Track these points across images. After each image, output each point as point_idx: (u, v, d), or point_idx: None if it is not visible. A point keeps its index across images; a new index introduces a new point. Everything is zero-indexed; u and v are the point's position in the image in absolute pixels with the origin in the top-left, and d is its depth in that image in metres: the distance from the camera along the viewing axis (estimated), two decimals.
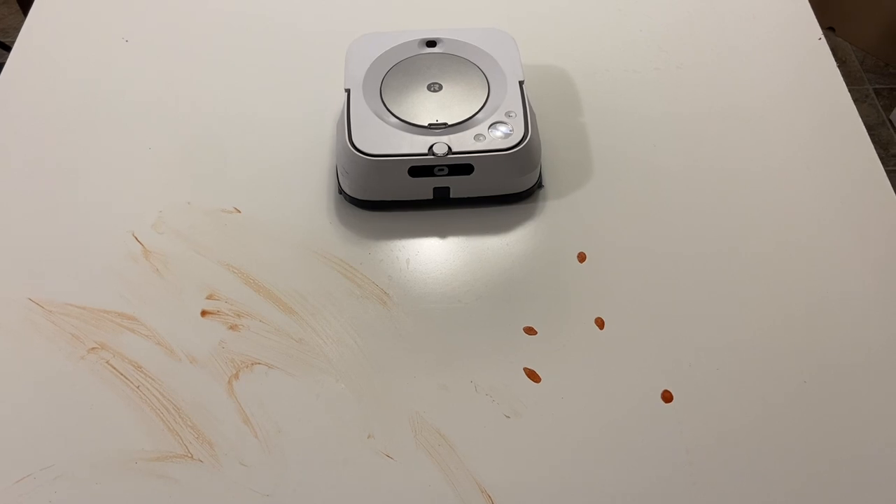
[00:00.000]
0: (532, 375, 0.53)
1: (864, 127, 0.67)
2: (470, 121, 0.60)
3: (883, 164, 0.65)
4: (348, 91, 0.62)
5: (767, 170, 0.64)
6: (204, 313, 0.56)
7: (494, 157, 0.58)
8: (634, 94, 0.69)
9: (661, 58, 0.72)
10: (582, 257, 0.59)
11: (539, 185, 0.63)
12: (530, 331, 0.55)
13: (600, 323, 0.55)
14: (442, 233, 0.61)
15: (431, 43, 0.65)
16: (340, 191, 0.62)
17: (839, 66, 0.72)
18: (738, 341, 0.54)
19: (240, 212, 0.61)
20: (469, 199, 0.62)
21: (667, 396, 0.52)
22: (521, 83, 0.62)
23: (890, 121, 1.56)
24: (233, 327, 0.55)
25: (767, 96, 0.69)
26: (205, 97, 0.69)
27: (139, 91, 0.69)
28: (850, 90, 0.70)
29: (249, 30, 0.74)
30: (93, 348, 0.54)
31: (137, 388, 0.52)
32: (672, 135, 0.66)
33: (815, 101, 0.69)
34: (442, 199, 0.61)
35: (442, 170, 0.59)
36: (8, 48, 1.12)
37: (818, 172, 0.64)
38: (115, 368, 0.53)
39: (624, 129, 0.67)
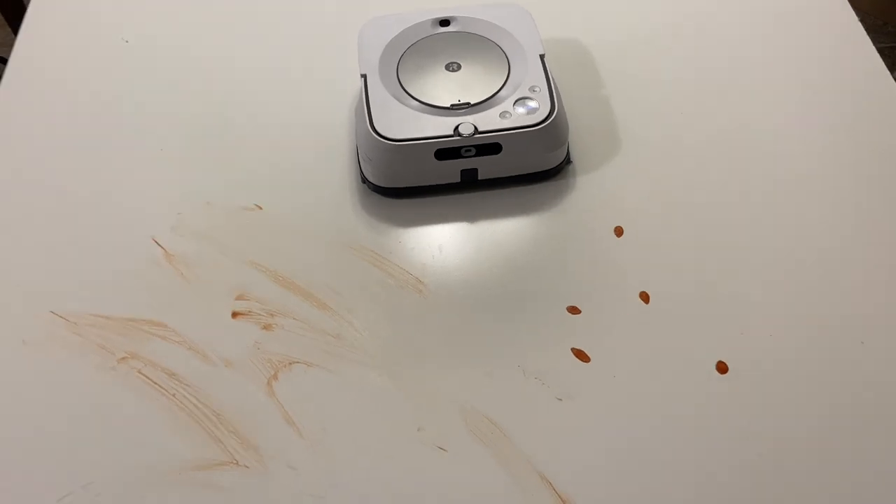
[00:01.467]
0: (581, 356, 0.51)
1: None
2: (493, 98, 0.58)
3: None
4: (364, 76, 0.60)
5: (801, 130, 0.62)
6: (235, 315, 0.54)
7: (523, 135, 0.56)
8: (655, 62, 0.67)
9: (681, 22, 0.70)
10: (619, 231, 0.57)
11: (568, 160, 0.61)
12: (574, 310, 0.53)
13: (645, 297, 0.54)
14: (472, 216, 0.59)
15: (445, 22, 0.63)
16: (364, 180, 0.60)
17: None
18: (790, 304, 0.53)
19: (261, 208, 0.59)
20: (497, 179, 0.60)
21: (722, 367, 0.50)
22: (542, 57, 0.60)
23: None
24: (266, 327, 0.53)
25: (798, 56, 0.67)
26: (213, 94, 0.67)
27: (145, 92, 0.67)
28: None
29: (254, 21, 0.72)
30: (123, 358, 0.52)
31: (173, 395, 0.50)
32: (698, 100, 0.64)
33: (844, 63, 0.67)
34: (470, 182, 0.59)
35: (469, 150, 0.57)
36: (4, 61, 1.10)
37: (853, 134, 0.62)
38: (147, 378, 0.51)
39: (648, 97, 0.65)
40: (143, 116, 0.65)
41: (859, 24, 0.70)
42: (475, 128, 0.56)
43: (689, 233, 0.57)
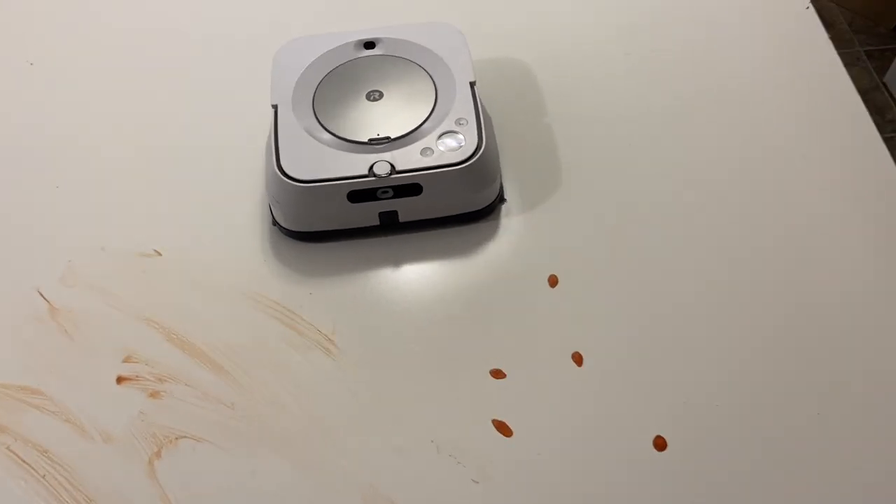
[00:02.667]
0: (502, 428, 0.45)
1: (859, 97, 0.59)
2: (416, 132, 0.53)
3: (879, 130, 0.57)
4: (275, 107, 0.54)
5: (757, 158, 0.56)
6: (120, 380, 0.48)
7: (445, 174, 0.50)
8: (603, 86, 0.61)
9: (632, 41, 0.64)
10: (553, 281, 0.51)
11: (500, 199, 0.55)
12: (498, 374, 0.48)
13: (578, 358, 0.48)
14: (393, 263, 0.53)
15: (370, 44, 0.57)
16: (274, 222, 0.54)
17: (826, 30, 0.64)
18: (738, 372, 0.47)
19: (160, 254, 0.54)
20: (421, 221, 0.54)
21: (660, 444, 0.44)
22: (472, 84, 0.54)
23: (884, 84, 1.48)
24: (153, 395, 0.48)
25: (752, 75, 0.61)
26: (118, 125, 0.61)
27: (44, 121, 0.61)
28: (839, 53, 0.62)
29: (163, 47, 0.66)
30: None
31: (43, 477, 0.45)
32: (649, 130, 0.58)
33: (806, 75, 0.61)
34: (390, 224, 0.54)
35: (386, 192, 0.51)
36: None
37: (814, 155, 0.56)
38: (17, 455, 0.46)
39: (593, 127, 0.59)
40: (39, 149, 0.60)
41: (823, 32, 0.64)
42: (392, 167, 0.50)
43: (631, 284, 0.51)
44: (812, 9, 0.66)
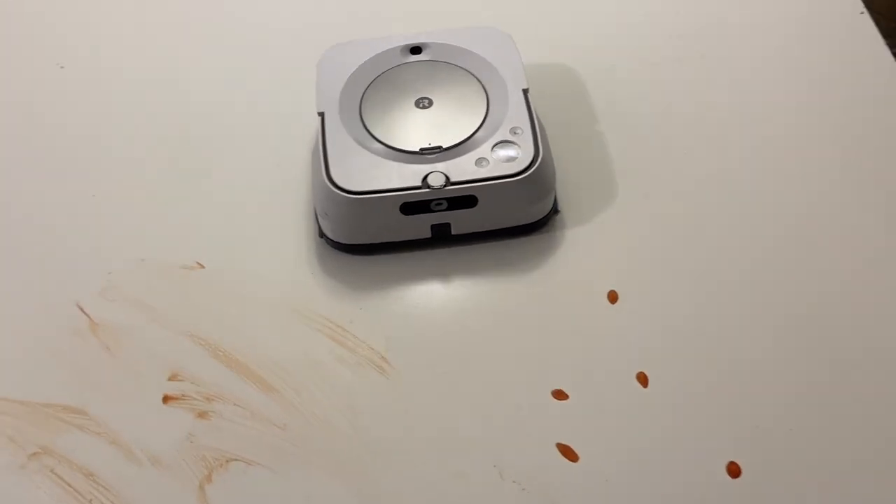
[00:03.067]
0: (567, 453, 0.44)
1: None
2: (469, 142, 0.51)
3: None
4: (322, 115, 0.52)
5: (824, 166, 0.54)
6: (166, 399, 0.46)
7: (502, 186, 0.49)
8: (655, 92, 0.59)
9: (681, 45, 0.62)
10: (613, 297, 0.49)
11: (555, 210, 0.53)
12: (560, 395, 0.46)
13: (643, 379, 0.46)
14: (444, 276, 0.51)
15: (416, 49, 0.56)
16: (321, 234, 0.52)
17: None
18: (813, 394, 0.45)
19: (203, 267, 0.52)
20: (474, 233, 0.52)
21: (734, 470, 0.43)
22: (525, 91, 0.52)
23: None
24: (202, 415, 0.46)
25: (809, 82, 0.59)
26: (155, 133, 0.59)
27: (76, 127, 0.59)
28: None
29: (202, 53, 0.64)
30: (34, 454, 0.45)
31: (90, 502, 0.43)
32: (706, 136, 0.57)
33: (864, 84, 0.59)
34: (442, 237, 0.52)
35: (440, 204, 0.49)
36: None
37: (878, 168, 0.54)
38: (61, 478, 0.44)
39: (647, 136, 0.57)
40: (72, 157, 0.58)
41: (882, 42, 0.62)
42: (446, 178, 0.49)
43: (697, 298, 0.49)
44: (866, 13, 0.64)
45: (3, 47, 0.65)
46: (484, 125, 0.51)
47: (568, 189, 0.54)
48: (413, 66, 0.55)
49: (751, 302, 0.49)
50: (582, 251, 0.52)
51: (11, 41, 0.65)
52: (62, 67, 0.63)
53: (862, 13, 0.64)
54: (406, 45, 0.56)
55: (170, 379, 0.47)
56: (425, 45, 0.56)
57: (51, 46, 0.65)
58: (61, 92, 0.62)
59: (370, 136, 0.51)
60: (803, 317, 0.48)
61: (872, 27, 0.63)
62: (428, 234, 0.51)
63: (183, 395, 0.46)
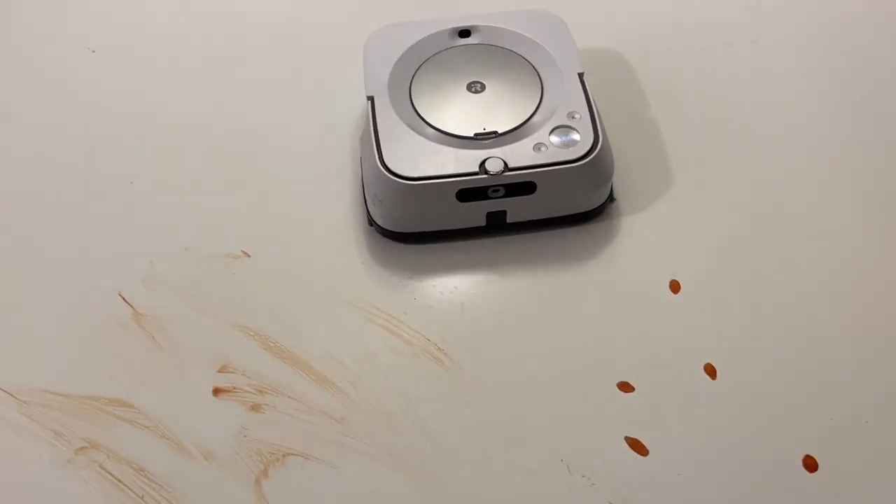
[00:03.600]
0: (637, 447, 0.42)
1: None
2: (525, 127, 0.49)
3: None
4: (371, 99, 0.50)
5: (886, 156, 0.53)
6: (217, 391, 0.45)
7: (561, 172, 0.47)
8: (711, 80, 0.58)
9: (742, 33, 0.60)
10: (675, 286, 0.48)
11: (611, 198, 0.52)
12: (626, 387, 0.44)
13: (711, 370, 0.45)
14: (500, 266, 0.50)
15: (465, 32, 0.54)
16: (371, 222, 0.51)
17: None
18: (888, 384, 0.44)
19: (249, 256, 0.50)
20: (529, 222, 0.51)
21: (810, 464, 0.41)
22: (580, 75, 0.51)
23: None
24: (255, 408, 0.44)
25: (877, 69, 0.58)
26: (194, 118, 0.57)
27: (113, 114, 0.58)
28: None
29: (241, 33, 0.62)
30: (81, 448, 0.43)
31: (142, 498, 0.41)
32: (762, 124, 0.55)
33: None
34: (497, 225, 0.50)
35: (497, 191, 0.48)
36: None
37: None
38: (111, 474, 0.42)
39: (703, 121, 0.56)
40: (109, 143, 0.56)
41: None
42: (505, 164, 0.47)
43: (762, 287, 0.48)
44: None
45: (38, 32, 0.63)
46: (539, 110, 0.50)
47: (624, 176, 0.53)
48: (462, 49, 0.53)
49: (818, 290, 0.47)
50: (640, 240, 0.50)
51: (46, 26, 0.63)
52: (93, 52, 0.61)
53: None
54: (455, 28, 0.54)
55: (219, 371, 0.45)
56: (475, 27, 0.54)
57: (83, 29, 0.63)
58: (90, 75, 0.60)
59: (422, 121, 0.50)
60: (872, 307, 0.47)
61: None
62: (483, 222, 0.50)
63: (234, 388, 0.45)
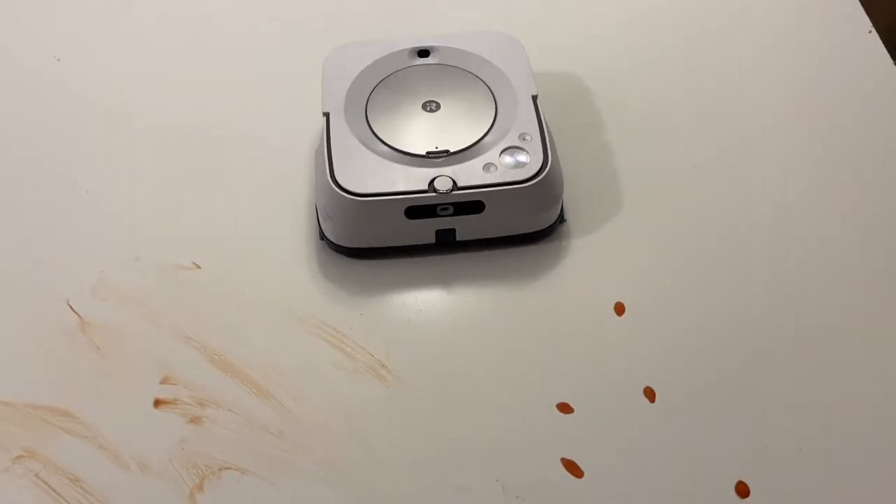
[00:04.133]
0: (572, 468, 0.42)
1: None
2: (477, 146, 0.50)
3: None
4: (327, 115, 0.51)
5: (840, 179, 0.54)
6: (158, 403, 0.45)
7: (510, 192, 0.48)
8: (665, 104, 0.59)
9: (693, 57, 0.62)
10: (620, 308, 0.48)
11: (561, 219, 0.52)
12: (565, 408, 0.45)
13: (650, 394, 0.45)
14: (448, 283, 0.50)
15: (424, 52, 0.55)
16: (322, 237, 0.51)
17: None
18: (822, 412, 0.44)
19: (200, 267, 0.50)
20: (478, 240, 0.51)
21: (742, 490, 0.41)
22: (534, 98, 0.52)
23: None
24: (194, 420, 0.44)
25: (820, 99, 0.59)
26: (153, 127, 0.58)
27: (71, 120, 0.58)
28: None
29: (204, 47, 0.63)
30: (18, 457, 0.43)
31: None
32: (716, 151, 0.56)
33: (872, 100, 0.59)
34: (446, 243, 0.51)
35: (446, 209, 0.48)
36: None
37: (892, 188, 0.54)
38: (46, 483, 0.42)
39: (654, 146, 0.56)
40: (68, 150, 0.56)
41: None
42: (454, 183, 0.47)
43: (707, 311, 0.48)
44: (874, 33, 0.64)
45: (1, 40, 0.63)
46: (492, 130, 0.51)
47: (575, 198, 0.53)
48: (421, 69, 0.54)
49: (761, 316, 0.48)
50: (589, 261, 0.51)
51: (7, 32, 0.64)
52: (59, 60, 0.62)
53: (870, 32, 0.63)
54: (414, 48, 0.55)
55: (162, 382, 0.45)
56: (433, 48, 0.55)
57: (48, 38, 0.63)
58: (54, 84, 0.60)
59: (376, 138, 0.50)
60: (814, 332, 0.47)
61: (881, 46, 0.63)
62: (432, 239, 0.50)
63: (175, 400, 0.45)
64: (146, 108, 0.59)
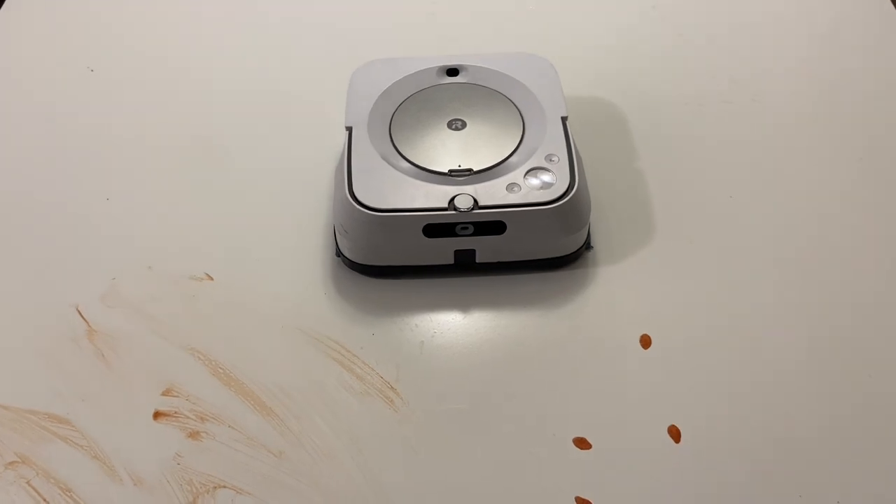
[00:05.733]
0: None
1: None
2: (501, 166, 0.48)
3: None
4: (350, 129, 0.50)
5: (882, 221, 0.51)
6: (157, 415, 0.43)
7: (533, 213, 0.46)
8: (700, 133, 0.57)
9: (732, 89, 0.59)
10: (646, 341, 0.46)
11: (587, 245, 0.50)
12: (583, 443, 0.42)
13: (675, 433, 0.42)
14: (465, 307, 0.48)
15: (453, 71, 0.53)
16: (338, 253, 0.50)
17: None
18: (867, 459, 0.40)
19: (212, 279, 0.49)
20: (499, 263, 0.49)
21: None
22: (563, 119, 0.50)
23: None
24: (193, 435, 0.42)
25: (866, 130, 0.56)
26: (177, 138, 0.57)
27: (100, 129, 0.58)
28: None
29: (230, 60, 0.63)
30: (11, 462, 0.42)
31: None
32: (753, 182, 0.53)
33: None
34: (465, 264, 0.49)
35: (466, 228, 0.46)
36: None
37: None
38: (36, 492, 0.40)
39: (690, 176, 0.54)
40: (92, 157, 0.56)
41: None
42: (475, 201, 0.46)
43: (738, 348, 0.45)
44: None
45: (33, 49, 0.64)
46: (518, 150, 0.49)
47: (603, 225, 0.51)
48: (449, 87, 0.53)
49: (796, 356, 0.45)
50: (614, 291, 0.48)
51: (44, 42, 0.65)
52: (92, 70, 0.62)
53: None
54: (443, 66, 0.53)
55: (163, 394, 0.44)
56: (463, 67, 0.53)
57: (81, 49, 0.64)
58: (87, 94, 0.61)
59: (398, 154, 0.49)
60: (855, 373, 0.44)
61: None
62: (451, 259, 0.48)
63: (175, 413, 0.43)
64: (171, 119, 0.59)
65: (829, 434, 0.41)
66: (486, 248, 0.48)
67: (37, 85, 0.61)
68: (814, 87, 0.60)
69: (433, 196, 0.46)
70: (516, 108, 0.51)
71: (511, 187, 0.46)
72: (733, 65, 0.61)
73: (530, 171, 0.47)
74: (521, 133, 0.50)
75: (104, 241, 0.51)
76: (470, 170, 0.48)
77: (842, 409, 0.42)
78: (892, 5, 0.65)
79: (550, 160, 0.48)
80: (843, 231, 0.50)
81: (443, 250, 0.48)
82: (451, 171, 0.48)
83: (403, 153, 0.49)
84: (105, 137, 0.57)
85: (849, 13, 0.65)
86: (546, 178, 0.47)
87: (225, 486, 0.40)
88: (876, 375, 0.44)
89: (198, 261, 0.50)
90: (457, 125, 0.50)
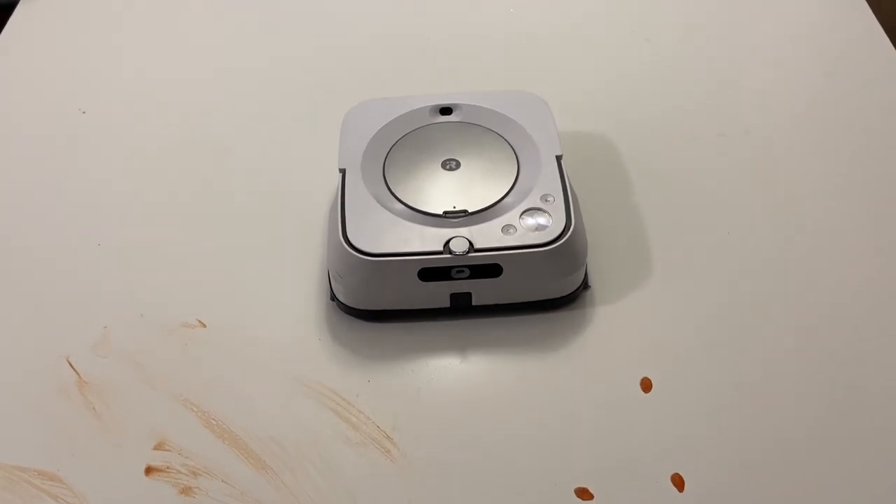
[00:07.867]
0: None
1: None
2: (496, 207, 0.47)
3: None
4: (343, 171, 0.49)
5: (885, 255, 0.50)
6: (150, 470, 0.42)
7: (529, 256, 0.45)
8: (696, 167, 0.56)
9: (725, 121, 0.59)
10: (647, 385, 0.45)
11: (585, 285, 0.49)
12: (584, 494, 0.41)
13: (679, 481, 0.41)
14: (463, 351, 0.47)
15: (446, 110, 0.53)
16: (333, 297, 0.49)
17: None
18: (860, 499, 0.40)
19: (205, 326, 0.48)
20: (496, 305, 0.48)
21: None
22: (558, 158, 0.49)
23: None
24: (185, 491, 0.41)
25: (868, 173, 0.56)
26: (170, 182, 0.57)
27: (92, 173, 0.57)
28: None
29: (222, 103, 0.63)
30: None
31: None
32: (752, 217, 0.53)
33: None
34: (461, 307, 0.48)
35: (462, 272, 0.46)
36: None
37: None
38: None
39: (687, 210, 0.53)
40: (87, 201, 0.56)
41: None
42: (470, 244, 0.45)
43: (742, 391, 0.44)
44: None
45: (26, 91, 0.64)
46: (513, 191, 0.48)
47: (600, 263, 0.50)
48: (442, 126, 0.52)
49: (802, 397, 0.44)
50: (613, 332, 0.47)
51: (36, 84, 0.64)
52: (83, 112, 0.62)
53: None
54: (436, 105, 0.53)
55: (155, 448, 0.43)
56: (456, 105, 0.53)
57: (73, 92, 0.64)
58: (79, 137, 0.60)
59: (392, 196, 0.48)
60: (861, 413, 0.43)
61: None
62: (447, 303, 0.47)
63: (168, 467, 0.42)
64: (163, 163, 0.58)
65: (841, 483, 0.40)
66: (482, 291, 0.47)
67: (27, 128, 0.61)
68: (808, 120, 0.59)
69: (428, 239, 0.45)
70: (511, 146, 0.51)
71: (507, 229, 0.46)
72: (727, 97, 0.61)
73: (526, 212, 0.47)
74: (515, 173, 0.49)
75: (96, 288, 0.50)
76: (465, 211, 0.47)
77: (857, 459, 0.41)
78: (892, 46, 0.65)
79: (546, 200, 0.47)
80: (848, 268, 0.50)
81: (438, 294, 0.47)
82: (445, 212, 0.47)
83: (397, 195, 0.48)
84: (95, 182, 0.57)
85: (852, 51, 0.65)
86: (541, 219, 0.46)
87: None
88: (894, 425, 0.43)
89: (190, 307, 0.49)
90: (451, 165, 0.50)
